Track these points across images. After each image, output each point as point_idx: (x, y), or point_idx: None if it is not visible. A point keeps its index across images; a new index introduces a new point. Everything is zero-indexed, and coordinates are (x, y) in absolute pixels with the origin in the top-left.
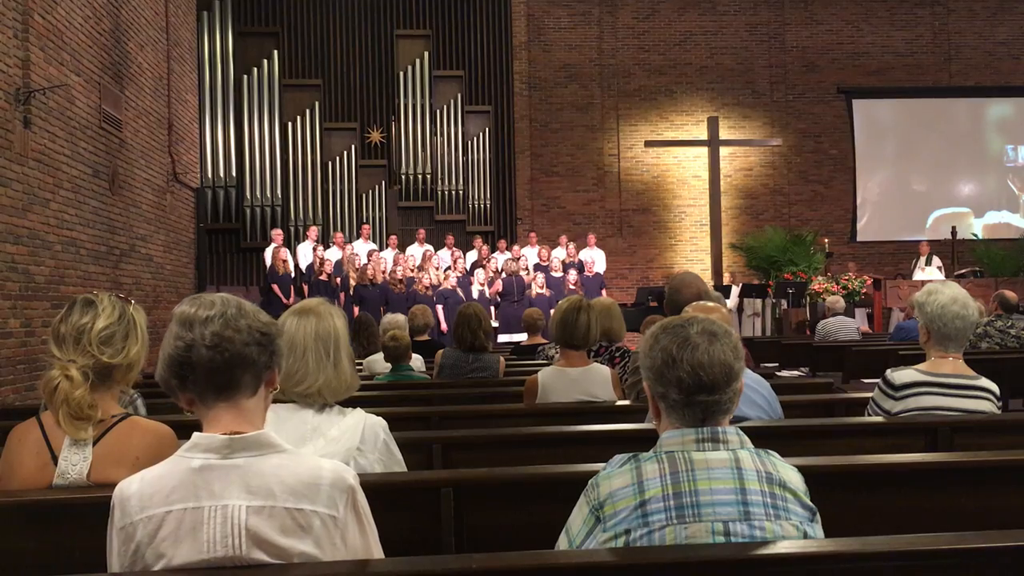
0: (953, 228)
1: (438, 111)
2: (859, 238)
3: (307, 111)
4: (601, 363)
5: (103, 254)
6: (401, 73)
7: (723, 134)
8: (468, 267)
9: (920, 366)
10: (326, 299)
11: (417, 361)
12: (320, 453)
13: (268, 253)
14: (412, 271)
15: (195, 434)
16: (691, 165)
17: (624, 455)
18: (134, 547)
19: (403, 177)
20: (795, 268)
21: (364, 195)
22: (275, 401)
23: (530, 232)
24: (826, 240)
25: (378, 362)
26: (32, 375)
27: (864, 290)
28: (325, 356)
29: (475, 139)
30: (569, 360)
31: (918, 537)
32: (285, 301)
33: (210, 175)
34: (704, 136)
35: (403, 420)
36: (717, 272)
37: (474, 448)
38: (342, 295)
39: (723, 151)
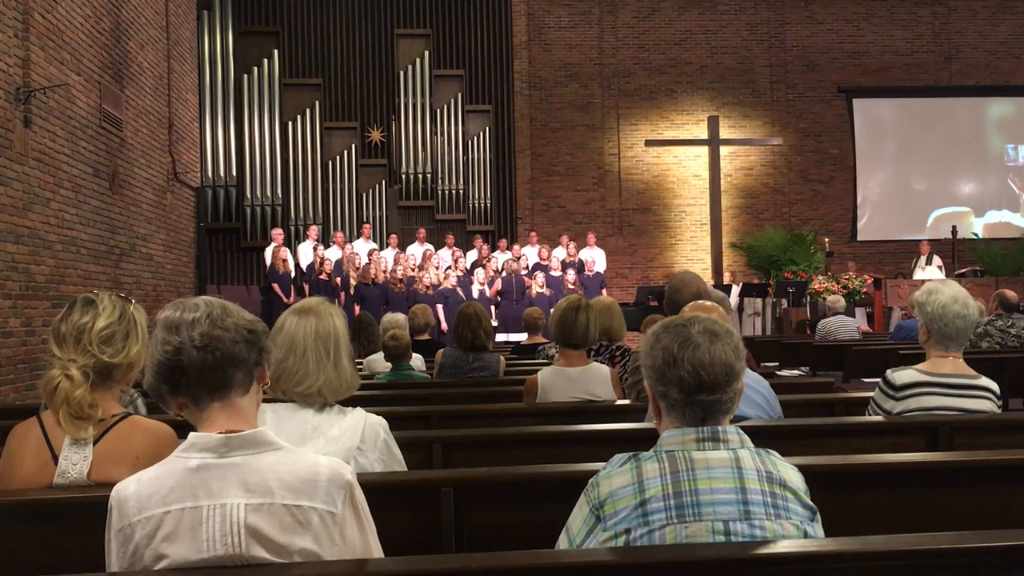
0: (953, 227)
1: (438, 110)
2: (859, 237)
3: (307, 110)
4: (601, 362)
5: (103, 253)
6: (401, 72)
7: (723, 133)
8: (468, 266)
9: (920, 366)
10: (326, 298)
11: (417, 360)
12: (320, 452)
13: (268, 252)
14: (412, 270)
15: (191, 434)
16: (691, 164)
17: (624, 454)
18: (132, 548)
19: (403, 176)
20: (795, 267)
21: (364, 194)
22: (275, 400)
23: (530, 231)
24: (826, 239)
25: (378, 361)
26: (32, 374)
27: (864, 289)
28: (325, 355)
29: (475, 138)
30: (569, 360)
31: (918, 537)
32: (285, 300)
33: (210, 174)
34: (704, 135)
35: (403, 419)
36: (717, 271)
37: (474, 447)
38: (342, 294)
39: (723, 150)
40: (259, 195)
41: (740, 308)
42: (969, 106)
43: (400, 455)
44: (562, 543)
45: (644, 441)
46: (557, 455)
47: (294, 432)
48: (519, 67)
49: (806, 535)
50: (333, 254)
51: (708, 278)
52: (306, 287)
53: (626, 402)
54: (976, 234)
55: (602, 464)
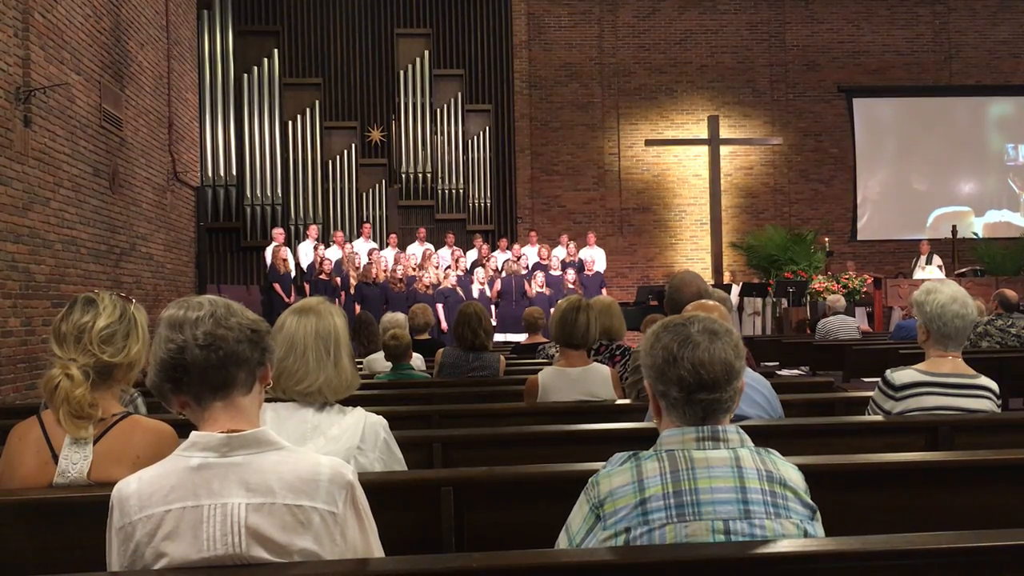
0: (953, 227)
1: (438, 110)
2: (859, 237)
3: (307, 110)
4: (601, 362)
5: (103, 253)
6: (401, 72)
7: (723, 133)
8: (468, 266)
9: (919, 365)
10: (326, 298)
11: (417, 360)
12: (320, 452)
13: (268, 252)
14: (412, 270)
15: (193, 433)
16: (691, 164)
17: (624, 453)
18: (133, 547)
19: (403, 176)
20: (795, 267)
21: (364, 194)
22: (275, 400)
23: (530, 231)
24: (826, 239)
25: (378, 361)
26: (33, 374)
27: (864, 289)
28: (325, 355)
29: (475, 138)
30: (569, 360)
31: (918, 536)
32: (286, 300)
33: (210, 174)
34: (704, 135)
35: (403, 419)
36: (717, 271)
37: (474, 447)
38: (342, 294)
39: (723, 150)
40: (259, 195)
41: (740, 308)
42: (969, 106)
43: (400, 454)
44: (562, 542)
45: (644, 440)
46: (557, 455)
47: (294, 431)
48: (519, 67)
49: (806, 534)
50: (333, 254)
51: (708, 278)
52: (306, 287)
53: (626, 402)
54: (976, 234)
55: (602, 463)
